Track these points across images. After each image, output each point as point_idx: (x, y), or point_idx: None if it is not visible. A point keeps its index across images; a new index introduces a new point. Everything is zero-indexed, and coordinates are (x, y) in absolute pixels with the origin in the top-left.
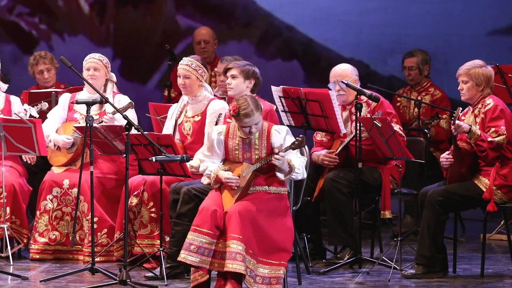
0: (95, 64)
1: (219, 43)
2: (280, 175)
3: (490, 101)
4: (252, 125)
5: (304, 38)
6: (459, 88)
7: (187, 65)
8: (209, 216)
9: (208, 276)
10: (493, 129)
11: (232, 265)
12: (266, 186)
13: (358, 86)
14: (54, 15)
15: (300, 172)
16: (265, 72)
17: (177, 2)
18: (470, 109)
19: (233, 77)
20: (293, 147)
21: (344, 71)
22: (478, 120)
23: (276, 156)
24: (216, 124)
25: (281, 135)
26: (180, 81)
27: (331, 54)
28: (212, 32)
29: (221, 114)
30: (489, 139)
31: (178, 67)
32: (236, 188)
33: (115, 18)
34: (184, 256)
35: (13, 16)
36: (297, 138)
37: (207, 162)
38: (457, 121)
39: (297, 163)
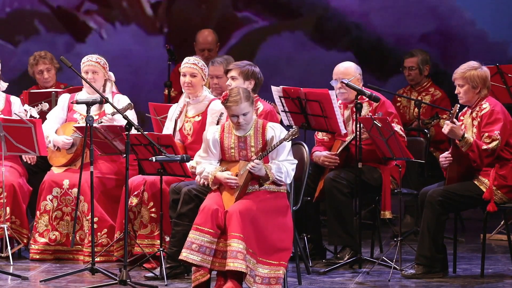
0: (93, 67)
1: (272, 34)
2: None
3: (486, 105)
4: (240, 114)
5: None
6: (456, 92)
7: (193, 63)
8: (211, 215)
9: (209, 275)
10: (486, 134)
11: (234, 264)
12: (265, 185)
13: (360, 85)
14: (108, 4)
15: (281, 178)
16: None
17: None
18: (468, 110)
19: (233, 78)
20: (286, 138)
21: (346, 69)
22: (475, 123)
23: (252, 163)
24: (217, 124)
25: (276, 132)
26: (186, 79)
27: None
28: (215, 36)
29: (223, 113)
30: (484, 147)
31: (183, 66)
32: (236, 187)
33: (170, 6)
34: (185, 255)
35: (76, 10)
36: (290, 129)
37: (204, 164)
38: (455, 120)
39: (277, 171)
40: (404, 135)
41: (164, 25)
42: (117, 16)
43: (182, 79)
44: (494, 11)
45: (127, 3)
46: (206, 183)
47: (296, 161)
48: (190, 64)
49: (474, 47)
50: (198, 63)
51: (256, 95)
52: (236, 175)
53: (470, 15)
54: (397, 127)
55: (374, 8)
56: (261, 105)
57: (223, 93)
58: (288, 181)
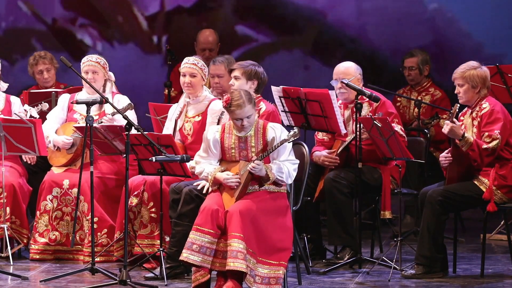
0: (93, 67)
1: (271, 52)
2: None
3: (486, 105)
4: (243, 117)
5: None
6: (455, 91)
7: (193, 63)
8: (211, 216)
9: (209, 276)
10: (486, 133)
11: (234, 264)
12: (266, 185)
13: (361, 85)
14: (105, 23)
15: (282, 179)
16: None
17: (236, 10)
18: (468, 110)
19: (236, 78)
20: (287, 139)
21: (346, 69)
22: (475, 123)
23: (252, 164)
24: (218, 122)
25: (276, 133)
26: (185, 79)
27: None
28: (216, 37)
29: (223, 112)
30: (484, 146)
31: (182, 66)
32: (236, 187)
33: (169, 26)
34: (186, 255)
35: (71, 26)
36: (290, 131)
37: (203, 164)
38: (454, 120)
39: (277, 171)
40: (405, 135)
41: (163, 44)
42: (115, 34)
43: (181, 79)
44: (490, 23)
45: (123, 19)
46: (205, 189)
47: (298, 161)
48: (189, 64)
49: (470, 59)
50: (198, 63)
51: (259, 95)
52: (236, 175)
53: (466, 27)
54: (398, 127)
55: (370, 21)
56: (263, 106)
57: (225, 97)
58: (290, 182)
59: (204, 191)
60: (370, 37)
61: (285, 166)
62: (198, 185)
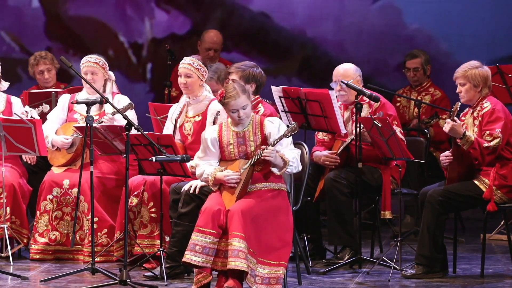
0: (92, 68)
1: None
2: (275, 170)
3: (487, 104)
4: (239, 108)
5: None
6: (457, 91)
7: (188, 64)
8: (213, 216)
9: (211, 277)
10: (488, 132)
11: (235, 263)
12: (266, 183)
13: (360, 86)
14: (88, 51)
15: (295, 165)
16: None
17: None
18: (470, 110)
19: (234, 82)
20: (286, 134)
21: (346, 71)
22: (476, 122)
23: (266, 151)
24: (214, 122)
25: (275, 125)
26: (181, 80)
27: None
28: (221, 37)
29: (219, 112)
30: (485, 144)
31: (179, 66)
32: (236, 185)
33: (153, 54)
34: (189, 257)
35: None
36: (288, 125)
37: (203, 166)
38: (455, 118)
39: (290, 156)
40: (403, 138)
41: (147, 71)
42: None
43: (179, 79)
44: (470, 42)
45: (113, 51)
46: (192, 189)
47: (299, 150)
48: (185, 64)
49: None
50: (194, 63)
51: (257, 96)
52: (237, 172)
53: (446, 47)
54: (397, 130)
55: (349, 39)
56: (261, 108)
57: (219, 91)
58: (296, 170)
59: (192, 190)
60: (349, 54)
61: (292, 152)
62: (189, 188)
